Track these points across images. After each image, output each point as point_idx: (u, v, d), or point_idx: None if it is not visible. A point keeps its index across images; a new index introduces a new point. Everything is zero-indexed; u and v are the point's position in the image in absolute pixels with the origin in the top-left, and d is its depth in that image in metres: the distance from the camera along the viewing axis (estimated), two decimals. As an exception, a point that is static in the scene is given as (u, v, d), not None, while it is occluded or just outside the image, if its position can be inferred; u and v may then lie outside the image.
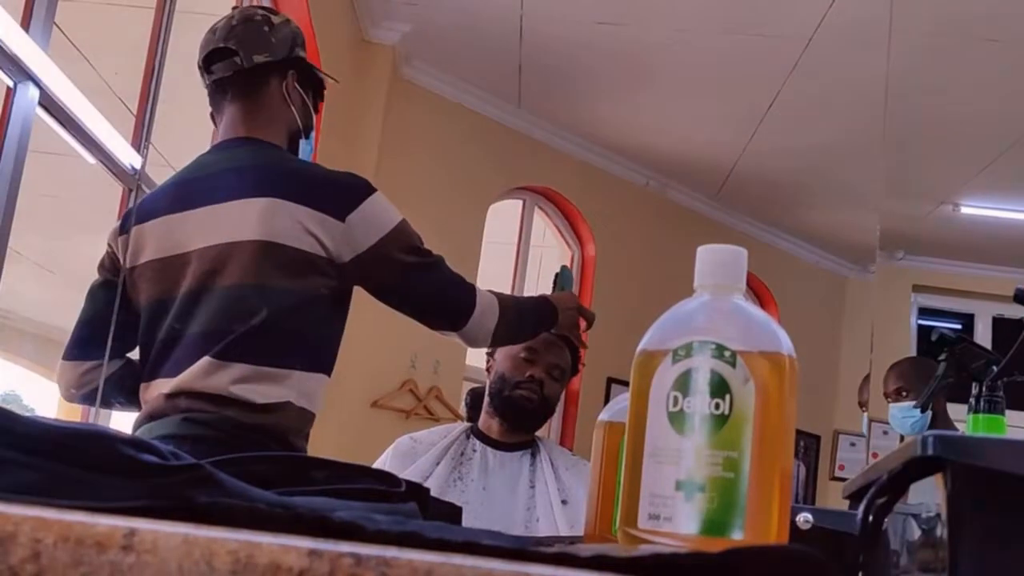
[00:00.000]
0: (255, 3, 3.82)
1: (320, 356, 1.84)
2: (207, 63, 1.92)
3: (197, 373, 1.74)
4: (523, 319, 2.05)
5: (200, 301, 1.80)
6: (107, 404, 2.00)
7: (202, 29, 1.98)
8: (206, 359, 1.75)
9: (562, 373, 2.42)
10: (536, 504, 2.28)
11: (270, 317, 1.75)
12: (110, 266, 1.98)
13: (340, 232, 1.79)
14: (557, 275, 2.36)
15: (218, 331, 1.77)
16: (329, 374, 1.87)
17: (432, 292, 1.93)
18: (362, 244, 1.81)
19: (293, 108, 1.94)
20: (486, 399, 2.43)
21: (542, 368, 2.38)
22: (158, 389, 1.79)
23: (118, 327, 1.91)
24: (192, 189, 1.90)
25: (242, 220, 1.78)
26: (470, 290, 1.93)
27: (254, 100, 1.91)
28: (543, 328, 2.14)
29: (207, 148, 2.01)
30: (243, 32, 1.90)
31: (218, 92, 1.94)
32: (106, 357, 1.88)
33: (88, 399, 1.98)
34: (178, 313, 1.81)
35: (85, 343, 1.96)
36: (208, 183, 1.87)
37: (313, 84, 2.01)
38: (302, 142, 1.99)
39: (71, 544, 0.44)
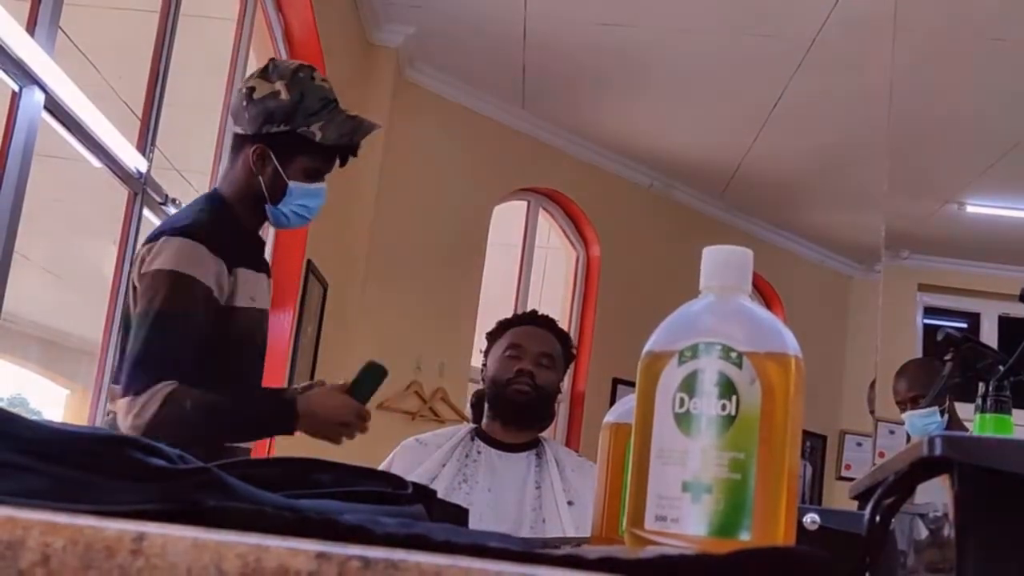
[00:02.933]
0: (257, 3, 3.82)
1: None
2: None
3: None
4: (212, 422, 1.86)
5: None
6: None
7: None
8: None
9: (552, 361, 2.40)
10: (542, 505, 2.28)
11: None
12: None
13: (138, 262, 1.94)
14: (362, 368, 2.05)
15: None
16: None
17: (131, 346, 1.86)
18: (139, 269, 1.91)
19: (261, 178, 2.02)
20: (486, 403, 2.44)
21: (529, 360, 2.37)
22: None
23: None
24: None
25: None
26: (152, 368, 1.82)
27: (232, 161, 2.08)
28: (264, 434, 2.12)
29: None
30: (234, 104, 2.08)
31: (229, 151, 2.13)
32: None
33: None
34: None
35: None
36: None
37: (305, 150, 2.02)
38: (271, 208, 2.05)
39: (80, 548, 0.44)
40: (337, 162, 2.10)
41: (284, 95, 1.99)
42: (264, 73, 2.03)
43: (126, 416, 1.80)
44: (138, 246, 2.05)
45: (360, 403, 1.99)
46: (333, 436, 1.99)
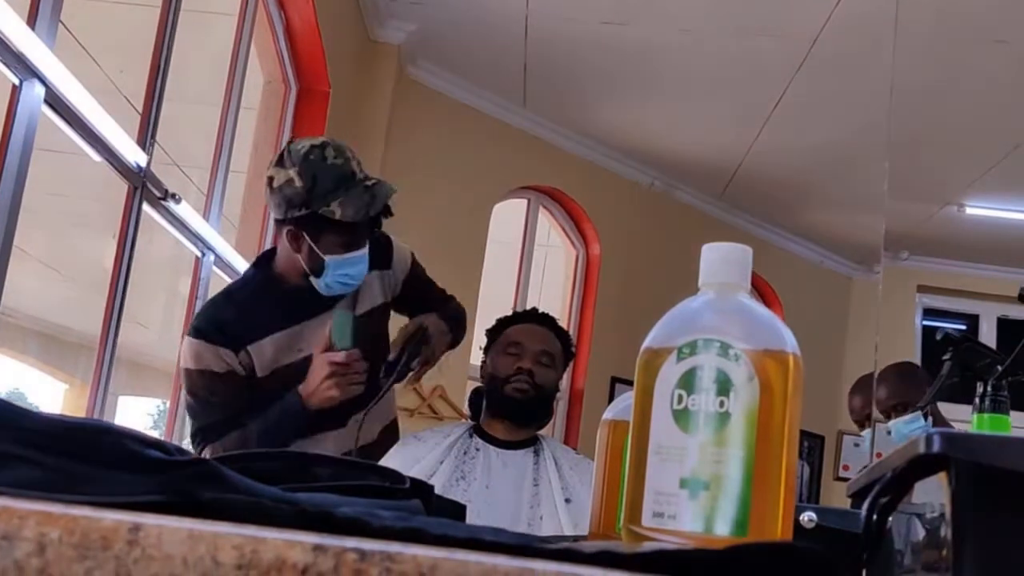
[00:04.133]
0: (261, 4, 3.82)
1: None
2: None
3: None
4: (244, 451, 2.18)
5: None
6: None
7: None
8: None
9: (552, 359, 2.40)
10: (540, 502, 2.28)
11: None
12: None
13: None
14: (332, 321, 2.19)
15: None
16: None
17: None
18: None
19: (300, 255, 2.15)
20: (485, 401, 2.44)
21: (529, 358, 2.37)
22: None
23: None
24: None
25: None
26: (194, 446, 2.18)
27: (276, 239, 2.25)
28: (292, 431, 2.18)
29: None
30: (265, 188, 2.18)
31: None
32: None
33: None
34: None
35: None
36: None
37: (330, 228, 2.12)
38: (316, 280, 2.17)
39: (76, 538, 0.44)
40: (373, 224, 2.21)
41: (297, 182, 2.08)
42: (280, 161, 2.12)
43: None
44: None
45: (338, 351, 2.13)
46: (334, 392, 2.11)
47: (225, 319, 2.19)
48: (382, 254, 2.31)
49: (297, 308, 2.22)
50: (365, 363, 2.14)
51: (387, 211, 2.18)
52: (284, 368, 2.18)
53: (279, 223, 2.16)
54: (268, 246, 2.37)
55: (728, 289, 0.67)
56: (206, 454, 2.09)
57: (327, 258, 2.12)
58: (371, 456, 2.24)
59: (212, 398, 2.15)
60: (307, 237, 2.11)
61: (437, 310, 2.42)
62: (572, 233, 6.13)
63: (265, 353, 2.18)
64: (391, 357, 2.26)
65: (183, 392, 2.25)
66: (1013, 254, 6.56)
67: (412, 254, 2.45)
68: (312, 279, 2.17)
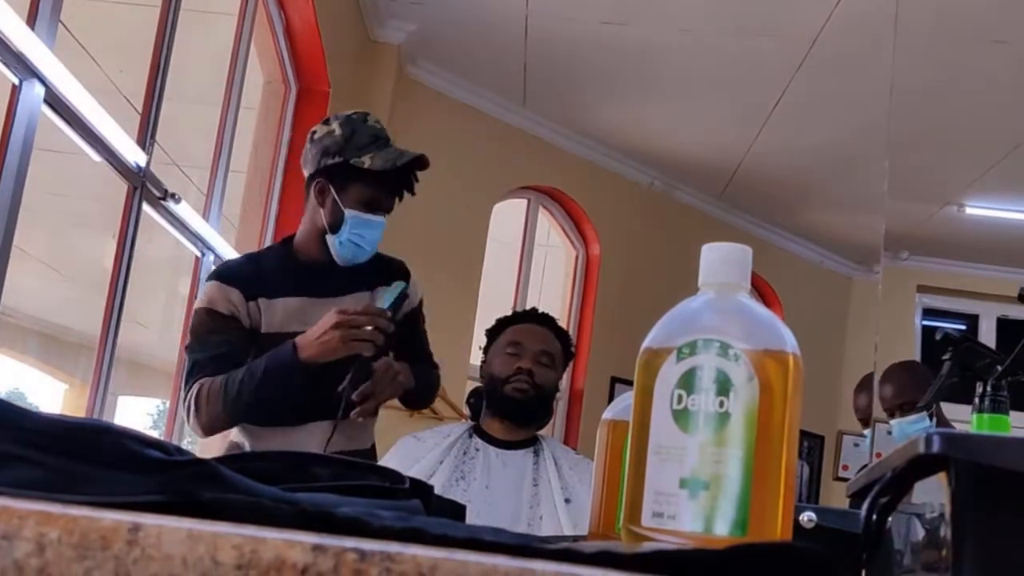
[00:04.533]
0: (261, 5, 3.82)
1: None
2: None
3: None
4: (230, 390, 2.09)
5: None
6: None
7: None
8: None
9: (552, 359, 2.41)
10: (540, 503, 2.28)
11: None
12: None
13: None
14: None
15: None
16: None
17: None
18: None
19: (323, 210, 2.20)
20: (484, 401, 2.44)
21: (529, 358, 2.37)
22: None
23: None
24: None
25: None
26: (187, 386, 2.15)
27: (305, 202, 2.27)
28: (278, 381, 2.06)
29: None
30: (304, 150, 2.27)
31: None
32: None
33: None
34: None
35: None
36: None
37: (359, 179, 2.19)
38: (331, 237, 2.20)
39: (76, 539, 0.44)
40: (397, 198, 2.28)
41: (338, 132, 2.20)
42: (326, 121, 2.25)
43: (190, 424, 2.17)
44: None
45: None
46: (333, 341, 2.02)
47: (244, 269, 2.25)
48: (405, 275, 2.34)
49: (312, 281, 2.23)
50: (383, 331, 2.05)
51: (414, 175, 2.28)
52: (289, 335, 2.10)
53: (309, 181, 2.23)
54: (268, 244, 2.40)
55: (728, 289, 0.67)
56: (192, 393, 2.10)
57: (347, 212, 2.17)
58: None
59: (211, 336, 2.14)
60: (333, 190, 2.18)
61: (418, 363, 2.34)
62: (572, 233, 6.13)
63: (275, 313, 2.18)
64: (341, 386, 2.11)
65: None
66: (1013, 254, 6.56)
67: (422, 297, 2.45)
68: (329, 238, 2.19)
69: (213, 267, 2.26)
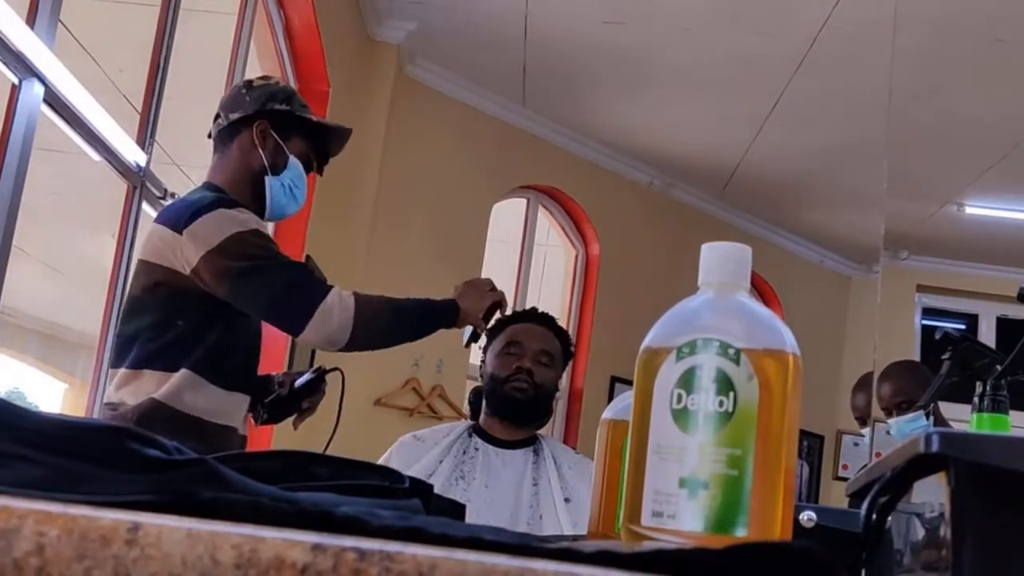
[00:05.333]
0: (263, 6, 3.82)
1: (179, 357, 1.99)
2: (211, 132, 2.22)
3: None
4: (396, 316, 2.06)
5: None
6: None
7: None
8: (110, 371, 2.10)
9: (551, 359, 2.40)
10: (539, 502, 2.28)
11: (136, 324, 2.02)
12: None
13: (179, 245, 1.98)
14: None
15: (114, 341, 2.12)
16: (198, 368, 2.00)
17: (266, 296, 2.00)
18: (196, 254, 1.96)
19: (260, 151, 2.15)
20: (484, 399, 2.44)
21: (528, 358, 2.37)
22: None
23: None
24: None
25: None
26: (311, 291, 2.00)
27: (224, 151, 2.18)
28: (432, 324, 2.12)
29: (210, 147, 2.19)
30: (227, 99, 2.21)
31: (214, 151, 2.21)
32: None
33: None
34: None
35: None
36: None
37: (304, 128, 2.21)
38: (271, 179, 2.16)
39: (75, 538, 0.44)
40: (316, 168, 2.28)
41: (282, 84, 2.24)
42: (261, 77, 2.26)
43: (318, 331, 1.97)
44: (147, 232, 2.14)
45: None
46: (487, 306, 2.15)
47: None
48: None
49: None
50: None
51: (340, 146, 2.28)
52: None
53: (241, 123, 2.15)
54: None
55: (727, 288, 0.67)
56: (349, 300, 1.97)
57: (292, 157, 2.17)
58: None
59: (291, 259, 2.06)
60: (274, 134, 2.15)
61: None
62: (571, 232, 6.13)
63: None
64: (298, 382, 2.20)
65: (245, 262, 1.97)
66: (1012, 254, 6.56)
67: None
68: (269, 180, 2.15)
69: (192, 205, 2.03)
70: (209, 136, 2.21)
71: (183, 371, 1.98)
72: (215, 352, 2.02)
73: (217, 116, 2.20)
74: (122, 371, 2.01)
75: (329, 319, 1.96)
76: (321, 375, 2.18)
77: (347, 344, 2.00)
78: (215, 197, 2.05)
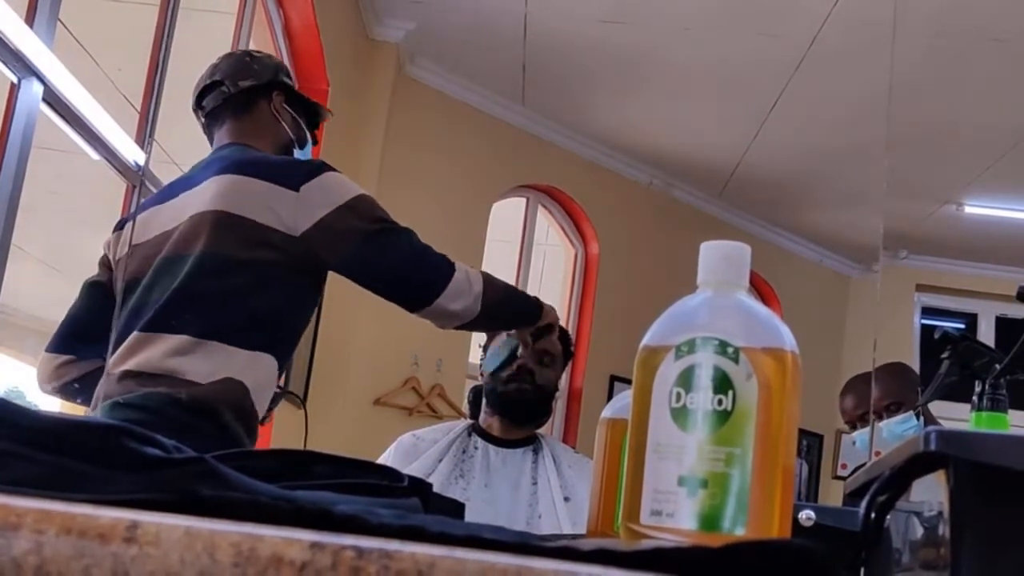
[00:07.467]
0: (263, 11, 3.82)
1: (262, 334, 1.78)
2: (199, 101, 2.05)
3: (125, 351, 1.77)
4: (508, 301, 2.00)
5: (155, 279, 1.82)
6: (72, 399, 2.03)
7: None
8: (135, 333, 1.76)
9: (552, 359, 2.40)
10: (539, 501, 2.28)
11: (207, 286, 1.76)
12: (103, 266, 2.04)
13: (294, 201, 1.79)
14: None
15: (150, 303, 1.78)
16: (277, 356, 1.81)
17: (397, 260, 1.84)
18: (317, 212, 1.79)
19: (283, 123, 2.05)
20: (483, 398, 2.44)
21: (529, 358, 2.37)
22: (107, 371, 1.80)
23: (109, 325, 1.90)
24: (176, 184, 1.99)
25: (204, 196, 1.82)
26: (444, 260, 1.86)
27: (243, 118, 2.02)
28: (524, 320, 2.06)
29: (209, 145, 2.10)
30: (226, 65, 2.04)
31: (212, 123, 2.05)
32: (109, 352, 1.87)
33: (61, 392, 2.00)
34: (139, 292, 1.85)
35: (65, 337, 1.98)
36: (189, 177, 1.96)
37: (305, 109, 2.13)
38: (297, 152, 2.08)
39: (74, 536, 0.44)
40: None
41: (275, 59, 2.14)
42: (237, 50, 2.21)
43: (449, 303, 1.84)
44: (220, 183, 1.86)
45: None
46: (556, 318, 2.11)
47: None
48: None
49: None
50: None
51: (315, 128, 2.17)
52: None
53: (257, 91, 2.02)
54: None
55: (726, 287, 0.67)
56: (477, 275, 1.88)
57: (308, 132, 2.12)
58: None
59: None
60: (289, 108, 2.07)
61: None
62: (571, 232, 6.13)
63: None
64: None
65: (372, 224, 1.82)
66: (1012, 253, 6.56)
67: None
68: (298, 153, 2.08)
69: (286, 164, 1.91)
70: (200, 107, 2.05)
71: (269, 358, 1.78)
72: (291, 342, 1.86)
73: (217, 84, 2.02)
74: (175, 337, 1.72)
75: (461, 292, 1.84)
76: (278, 396, 1.97)
77: (472, 321, 1.89)
78: (315, 160, 1.91)
